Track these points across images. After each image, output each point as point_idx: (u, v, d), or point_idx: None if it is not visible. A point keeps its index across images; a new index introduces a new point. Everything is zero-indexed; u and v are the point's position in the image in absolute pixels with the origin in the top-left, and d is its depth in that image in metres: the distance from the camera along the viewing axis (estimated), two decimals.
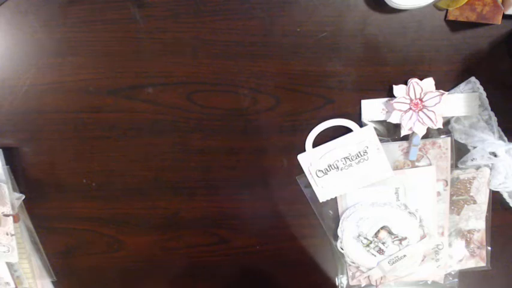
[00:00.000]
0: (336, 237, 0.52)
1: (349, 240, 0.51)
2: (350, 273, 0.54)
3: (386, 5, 0.43)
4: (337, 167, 0.48)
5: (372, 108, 0.47)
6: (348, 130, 0.48)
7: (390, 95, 0.46)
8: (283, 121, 0.49)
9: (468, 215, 0.51)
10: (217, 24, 0.45)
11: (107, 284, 0.58)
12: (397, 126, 0.47)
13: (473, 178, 0.49)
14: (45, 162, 0.51)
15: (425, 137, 0.46)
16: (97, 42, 0.46)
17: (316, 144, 0.49)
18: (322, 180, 0.49)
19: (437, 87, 0.45)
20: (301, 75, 0.47)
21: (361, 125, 0.48)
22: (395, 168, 0.49)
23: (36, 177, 0.52)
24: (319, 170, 0.48)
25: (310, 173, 0.49)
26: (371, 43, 0.45)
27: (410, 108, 0.45)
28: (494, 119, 0.47)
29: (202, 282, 0.58)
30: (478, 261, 0.53)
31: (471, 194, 0.50)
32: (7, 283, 0.55)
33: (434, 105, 0.44)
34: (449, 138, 0.47)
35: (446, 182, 0.49)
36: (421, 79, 0.45)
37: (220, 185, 0.52)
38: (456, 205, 0.51)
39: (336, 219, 0.51)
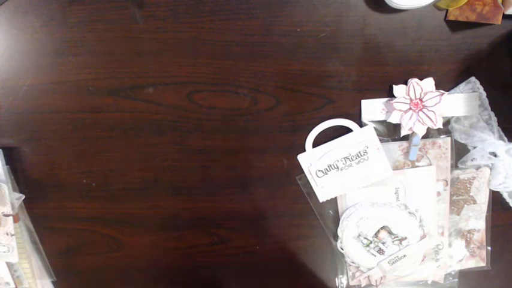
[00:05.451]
0: (336, 237, 0.52)
1: (349, 240, 0.51)
2: (350, 273, 0.54)
3: (386, 5, 0.43)
4: (337, 167, 0.48)
5: (372, 108, 0.47)
6: (348, 130, 0.48)
7: (390, 95, 0.46)
8: (283, 121, 0.49)
9: (468, 215, 0.51)
10: (217, 24, 0.45)
11: (107, 284, 0.58)
12: (397, 126, 0.47)
13: (473, 178, 0.49)
14: (45, 162, 0.51)
15: (425, 137, 0.46)
16: (97, 42, 0.46)
17: (316, 144, 0.49)
18: (322, 180, 0.49)
19: (437, 87, 0.45)
20: (301, 75, 0.47)
21: (361, 125, 0.47)
22: (395, 168, 0.49)
23: (36, 177, 0.52)
24: (319, 170, 0.48)
25: (310, 173, 0.49)
26: (371, 43, 0.45)
27: (410, 108, 0.45)
28: (494, 119, 0.47)
29: (202, 282, 0.57)
30: (478, 261, 0.53)
31: (471, 194, 0.50)
32: (7, 283, 0.55)
33: (434, 105, 0.44)
34: (449, 138, 0.47)
35: (446, 182, 0.49)
36: (421, 79, 0.45)
37: (220, 185, 0.52)
38: (456, 205, 0.51)
39: (336, 219, 0.51)
